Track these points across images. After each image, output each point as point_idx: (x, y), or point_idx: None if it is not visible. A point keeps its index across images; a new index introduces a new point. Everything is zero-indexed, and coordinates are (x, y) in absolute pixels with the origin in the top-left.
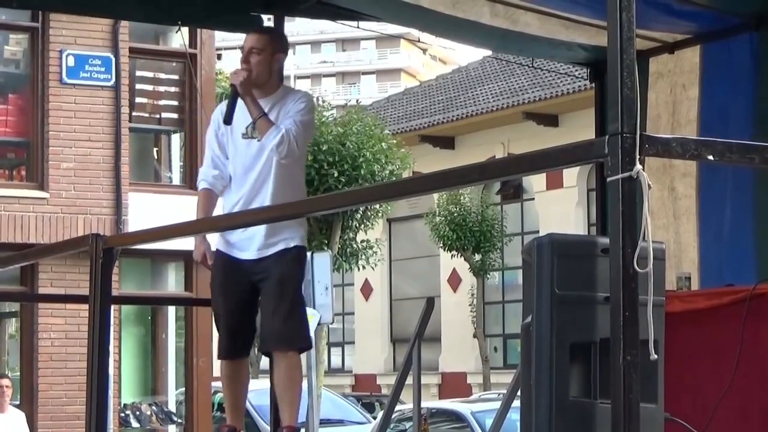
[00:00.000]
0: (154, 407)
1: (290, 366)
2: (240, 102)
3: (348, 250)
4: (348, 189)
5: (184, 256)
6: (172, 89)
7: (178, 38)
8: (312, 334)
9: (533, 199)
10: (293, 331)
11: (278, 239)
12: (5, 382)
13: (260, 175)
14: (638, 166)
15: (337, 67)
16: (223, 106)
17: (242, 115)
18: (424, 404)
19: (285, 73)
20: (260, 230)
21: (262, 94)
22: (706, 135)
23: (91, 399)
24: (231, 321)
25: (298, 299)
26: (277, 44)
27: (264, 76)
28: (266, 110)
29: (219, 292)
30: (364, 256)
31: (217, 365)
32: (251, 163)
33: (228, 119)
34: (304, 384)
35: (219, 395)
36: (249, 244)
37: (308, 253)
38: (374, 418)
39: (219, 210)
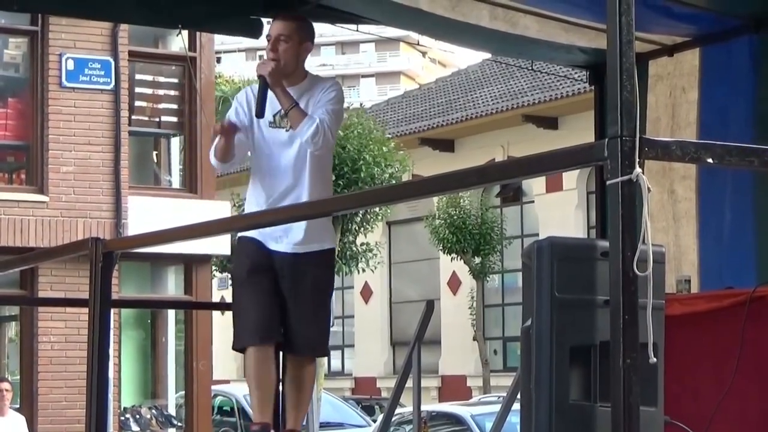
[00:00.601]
0: (153, 410)
1: (309, 371)
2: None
3: (348, 253)
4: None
5: (184, 260)
6: (172, 92)
7: (178, 42)
8: None
9: (533, 201)
10: (322, 339)
11: (314, 237)
12: (5, 385)
13: (295, 166)
14: (638, 170)
15: (337, 69)
16: (248, 90)
17: (268, 104)
18: (423, 407)
19: None
20: (297, 224)
21: (289, 84)
22: (705, 137)
23: (91, 402)
24: (263, 305)
25: (328, 305)
26: (304, 32)
27: (291, 65)
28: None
29: (247, 278)
30: (363, 259)
31: (216, 368)
32: (282, 152)
33: (260, 112)
34: None
35: (219, 398)
36: (284, 236)
37: None
38: (374, 421)
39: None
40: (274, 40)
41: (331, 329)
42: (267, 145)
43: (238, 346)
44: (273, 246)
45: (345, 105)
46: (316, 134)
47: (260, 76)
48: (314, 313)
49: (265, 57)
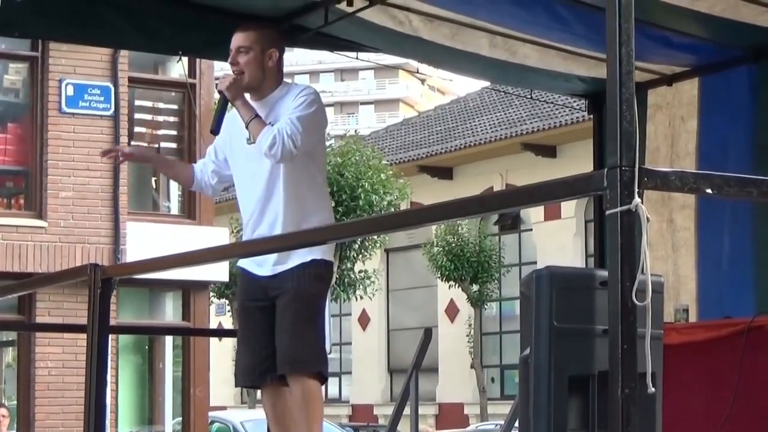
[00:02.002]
0: None
1: (303, 393)
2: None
3: (346, 280)
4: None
5: (182, 286)
6: (171, 119)
7: (178, 68)
8: None
9: (531, 229)
10: (306, 354)
11: (293, 253)
12: (2, 411)
13: (268, 180)
14: (637, 200)
15: (336, 97)
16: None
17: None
18: None
19: None
20: None
21: (258, 96)
22: (705, 167)
23: (88, 428)
24: (252, 347)
25: (314, 318)
26: (266, 40)
27: (256, 76)
28: (266, 113)
29: (241, 314)
30: (361, 286)
31: (214, 395)
32: (254, 167)
33: (215, 128)
34: None
35: (216, 425)
36: (264, 259)
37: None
38: None
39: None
40: (234, 53)
41: (328, 356)
42: (244, 161)
43: (236, 385)
44: (258, 272)
45: (341, 131)
46: (273, 145)
47: (220, 92)
48: (293, 325)
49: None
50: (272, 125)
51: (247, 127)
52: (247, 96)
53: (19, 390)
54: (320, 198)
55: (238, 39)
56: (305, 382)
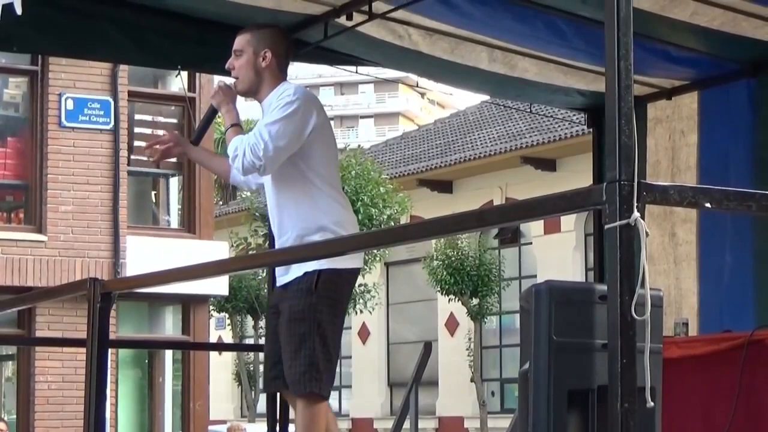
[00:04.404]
0: None
1: (301, 413)
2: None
3: None
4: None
5: (182, 300)
6: None
7: (177, 82)
8: None
9: (531, 243)
10: (298, 375)
11: (296, 264)
12: (1, 425)
13: (274, 189)
14: (636, 214)
15: (336, 110)
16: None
17: None
18: None
19: None
20: None
21: (260, 99)
22: (705, 181)
23: None
24: (268, 355)
25: (307, 335)
26: (259, 40)
27: (250, 80)
28: (263, 117)
29: (266, 324)
30: (361, 300)
31: (213, 409)
32: (269, 176)
33: (194, 139)
34: None
35: None
36: (281, 267)
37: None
38: None
39: None
40: (231, 58)
41: (325, 365)
42: None
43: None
44: (278, 280)
45: (341, 145)
46: (235, 158)
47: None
48: (289, 344)
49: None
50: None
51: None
52: (242, 101)
53: (19, 404)
54: (321, 201)
55: (234, 43)
56: (301, 401)
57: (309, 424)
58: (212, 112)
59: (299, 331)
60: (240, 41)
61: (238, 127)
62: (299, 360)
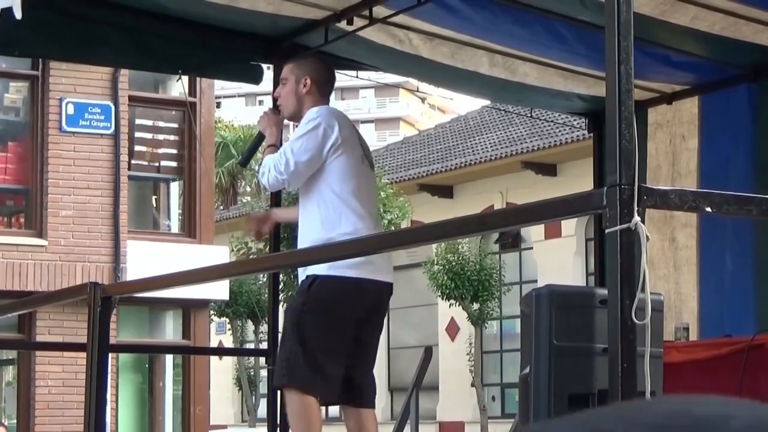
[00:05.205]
0: None
1: (289, 406)
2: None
3: None
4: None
5: (182, 305)
6: (172, 137)
7: (178, 87)
8: None
9: (531, 248)
10: (282, 367)
11: (304, 268)
12: (2, 430)
13: (301, 204)
14: (636, 218)
15: None
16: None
17: None
18: None
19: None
20: None
21: (298, 122)
22: (706, 185)
23: None
24: None
25: (298, 333)
26: (300, 69)
27: (292, 105)
28: None
29: None
30: None
31: (214, 413)
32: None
33: (242, 161)
34: None
35: None
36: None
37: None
38: None
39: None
40: (279, 87)
41: (313, 365)
42: None
43: None
44: None
45: None
46: (262, 174)
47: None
48: (282, 341)
49: None
50: None
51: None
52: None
53: (19, 409)
54: (332, 214)
55: (282, 72)
56: (287, 394)
57: (290, 414)
58: (260, 137)
59: (288, 328)
60: (285, 71)
61: (274, 147)
62: (280, 354)
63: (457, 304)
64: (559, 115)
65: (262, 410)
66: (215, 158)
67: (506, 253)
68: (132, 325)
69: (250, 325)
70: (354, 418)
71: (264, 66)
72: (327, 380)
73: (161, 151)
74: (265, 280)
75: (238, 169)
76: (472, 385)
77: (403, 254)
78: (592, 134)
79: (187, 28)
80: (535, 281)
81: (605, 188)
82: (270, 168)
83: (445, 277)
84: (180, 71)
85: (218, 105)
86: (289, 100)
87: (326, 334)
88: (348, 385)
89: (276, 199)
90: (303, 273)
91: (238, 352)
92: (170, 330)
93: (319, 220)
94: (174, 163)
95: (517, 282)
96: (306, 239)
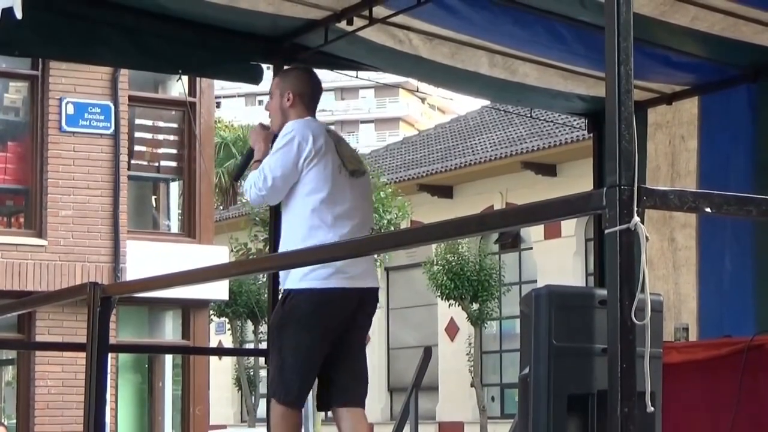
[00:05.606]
0: None
1: (271, 418)
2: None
3: None
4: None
5: (182, 305)
6: (171, 137)
7: (178, 87)
8: None
9: (531, 248)
10: (274, 383)
11: (285, 280)
12: (1, 430)
13: (282, 218)
14: (636, 219)
15: (336, 115)
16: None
17: None
18: None
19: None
20: None
21: None
22: (706, 186)
23: None
24: None
25: (281, 348)
26: (284, 83)
27: (278, 119)
28: None
29: None
30: None
31: (214, 413)
32: None
33: (234, 175)
34: None
35: None
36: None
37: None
38: None
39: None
40: (268, 100)
41: (293, 378)
42: None
43: None
44: None
45: None
46: (245, 193)
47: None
48: (270, 353)
49: None
50: None
51: None
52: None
53: (19, 408)
54: (302, 226)
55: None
56: (273, 406)
57: (271, 425)
58: (251, 152)
59: (273, 341)
60: (272, 85)
61: (259, 163)
62: (273, 369)
63: (457, 304)
64: (559, 116)
65: (262, 410)
66: (215, 158)
67: (506, 253)
68: (131, 325)
69: (249, 325)
70: (343, 419)
71: (264, 66)
72: (307, 392)
73: (161, 151)
74: (264, 280)
75: None
76: (472, 385)
77: (402, 254)
78: (591, 134)
79: (187, 28)
80: (535, 281)
81: (605, 189)
82: (251, 185)
83: (445, 278)
84: (180, 71)
85: (218, 105)
86: (276, 115)
87: (303, 348)
88: (332, 387)
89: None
90: (284, 284)
91: (237, 352)
92: (170, 330)
93: (292, 232)
94: (174, 163)
95: (516, 282)
96: (282, 249)
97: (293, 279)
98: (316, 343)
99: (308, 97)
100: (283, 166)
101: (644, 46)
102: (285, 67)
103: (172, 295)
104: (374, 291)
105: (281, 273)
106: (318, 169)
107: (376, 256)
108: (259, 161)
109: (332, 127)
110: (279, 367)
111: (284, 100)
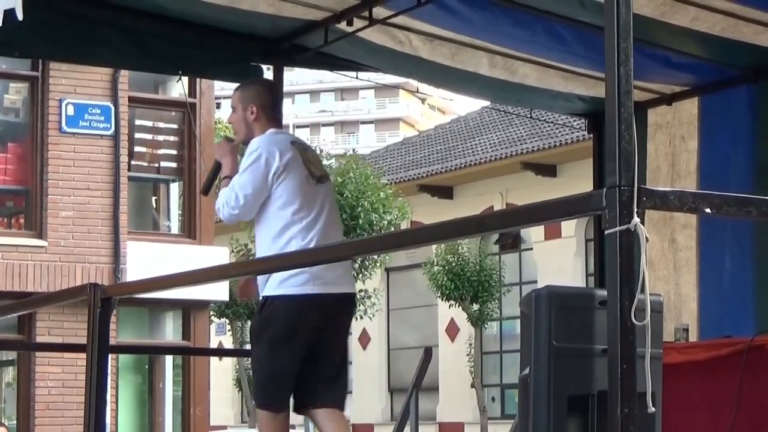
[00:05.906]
0: None
1: (257, 422)
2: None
3: None
4: (347, 240)
5: (182, 305)
6: (171, 138)
7: (178, 87)
8: None
9: (531, 249)
10: (255, 389)
11: (263, 287)
12: (2, 430)
13: (255, 233)
14: (636, 219)
15: (336, 116)
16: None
17: None
18: None
19: (284, 122)
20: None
21: None
22: (706, 187)
23: None
24: None
25: (260, 354)
26: (245, 97)
27: (243, 132)
28: None
29: None
30: (362, 306)
31: (214, 414)
32: None
33: (203, 190)
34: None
35: None
36: None
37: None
38: None
39: None
40: (230, 113)
41: (269, 382)
42: None
43: None
44: None
45: (341, 151)
46: (218, 212)
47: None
48: (251, 360)
49: None
50: None
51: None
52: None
53: (19, 409)
54: (273, 239)
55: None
56: (257, 413)
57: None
58: (218, 166)
59: (256, 353)
60: (233, 98)
61: (229, 179)
62: (255, 375)
63: (457, 304)
64: (559, 116)
65: None
66: (215, 159)
67: (506, 254)
68: (132, 326)
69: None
70: (320, 420)
71: (264, 67)
72: (287, 396)
73: (161, 151)
74: None
75: None
76: (472, 385)
77: (402, 255)
78: (591, 135)
79: (187, 28)
80: (535, 282)
81: (605, 189)
82: (224, 204)
83: (445, 278)
84: (180, 72)
85: (218, 106)
86: (240, 127)
87: (280, 353)
88: (309, 389)
89: None
90: (263, 291)
91: (237, 353)
92: (170, 331)
93: (264, 245)
94: (174, 164)
95: (516, 283)
96: None
97: (271, 286)
98: (293, 348)
99: (270, 108)
100: (253, 184)
101: (644, 47)
102: (243, 82)
103: (173, 296)
104: (351, 296)
105: (260, 281)
106: (287, 183)
107: (376, 256)
108: (229, 177)
109: (296, 135)
110: (258, 372)
111: (248, 113)
